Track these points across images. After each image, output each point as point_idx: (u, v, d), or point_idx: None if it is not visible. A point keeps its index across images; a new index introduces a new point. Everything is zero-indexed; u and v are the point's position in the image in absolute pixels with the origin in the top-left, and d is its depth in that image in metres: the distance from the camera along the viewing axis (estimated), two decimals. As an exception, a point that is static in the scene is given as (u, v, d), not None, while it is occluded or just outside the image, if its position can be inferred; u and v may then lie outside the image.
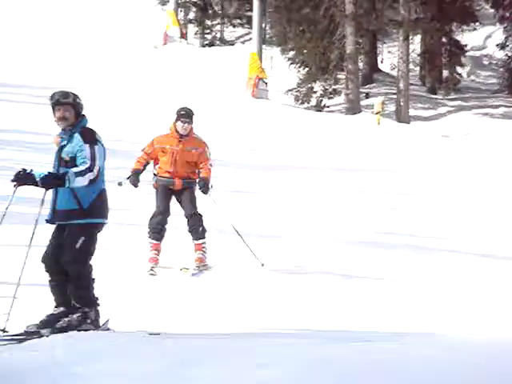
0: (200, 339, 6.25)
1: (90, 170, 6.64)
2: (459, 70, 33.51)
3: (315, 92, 30.40)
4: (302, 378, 5.06)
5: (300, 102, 30.18)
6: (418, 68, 33.88)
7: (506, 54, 34.21)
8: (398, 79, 29.69)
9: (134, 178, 9.27)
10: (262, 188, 14.68)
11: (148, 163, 9.39)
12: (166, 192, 9.23)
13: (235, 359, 5.44)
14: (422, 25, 30.04)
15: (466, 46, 33.58)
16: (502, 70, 34.54)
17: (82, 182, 6.62)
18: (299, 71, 30.93)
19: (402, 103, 28.78)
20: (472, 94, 32.50)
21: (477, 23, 33.04)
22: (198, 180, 9.22)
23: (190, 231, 9.24)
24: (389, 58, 34.72)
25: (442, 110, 30.21)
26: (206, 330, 6.82)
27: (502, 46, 34.49)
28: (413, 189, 15.36)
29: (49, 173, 6.68)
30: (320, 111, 29.04)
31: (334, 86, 30.53)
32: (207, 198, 9.37)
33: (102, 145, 6.82)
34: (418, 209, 13.49)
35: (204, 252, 9.25)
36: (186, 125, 9.29)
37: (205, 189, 9.16)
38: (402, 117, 28.21)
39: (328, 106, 30.07)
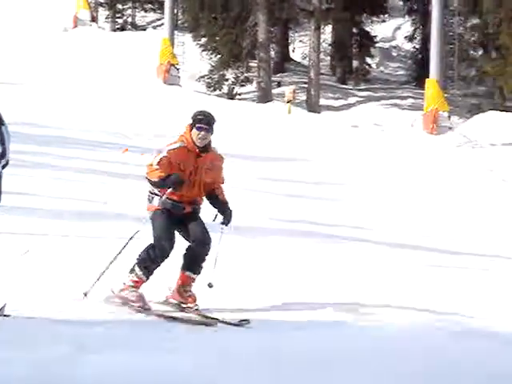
0: (97, 326, 6.18)
1: (2, 156, 6.41)
2: (369, 60, 34.02)
3: (227, 79, 30.41)
4: (206, 365, 5.09)
5: (212, 89, 30.15)
6: (328, 58, 34.24)
7: (414, 46, 34.91)
8: (309, 69, 29.94)
9: (173, 176, 6.98)
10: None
11: None
12: (171, 220, 7.09)
13: (134, 345, 5.45)
14: (333, 15, 30.37)
15: (375, 37, 34.11)
16: (410, 61, 35.23)
17: None
18: (211, 58, 30.86)
19: (312, 92, 29.04)
20: (381, 85, 33.03)
21: (386, 15, 33.60)
22: (216, 207, 7.23)
23: (190, 260, 7.13)
24: (300, 47, 34.97)
25: (352, 100, 30.60)
26: (105, 317, 6.69)
27: (410, 38, 35.18)
28: (324, 178, 15.51)
29: None
30: (232, 99, 29.05)
31: (245, 74, 30.60)
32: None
33: (6, 126, 6.59)
34: (328, 197, 13.63)
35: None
36: (204, 133, 7.04)
37: (229, 218, 7.21)
38: (312, 106, 28.47)
39: (240, 94, 30.11)
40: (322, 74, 30.96)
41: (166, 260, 6.94)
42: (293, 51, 35.16)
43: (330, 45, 33.90)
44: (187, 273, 7.11)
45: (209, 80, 30.43)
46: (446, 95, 25.89)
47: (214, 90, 30.08)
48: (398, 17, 36.18)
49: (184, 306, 7.06)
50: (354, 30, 33.22)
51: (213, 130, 7.11)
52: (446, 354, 5.81)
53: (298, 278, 8.49)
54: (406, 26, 35.86)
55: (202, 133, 7.04)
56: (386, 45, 36.70)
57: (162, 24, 33.22)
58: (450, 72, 30.14)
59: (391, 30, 37.13)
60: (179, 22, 35.16)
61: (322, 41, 31.05)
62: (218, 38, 30.41)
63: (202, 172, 7.11)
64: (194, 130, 7.05)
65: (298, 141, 20.10)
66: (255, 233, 10.48)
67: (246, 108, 25.71)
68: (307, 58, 30.97)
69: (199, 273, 7.10)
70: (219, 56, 30.58)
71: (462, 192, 15.83)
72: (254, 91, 30.07)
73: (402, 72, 34.98)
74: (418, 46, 34.53)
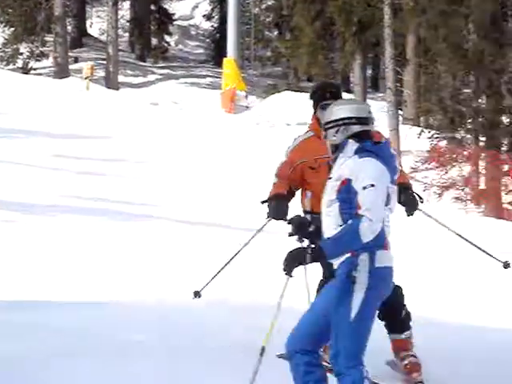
0: None
1: None
2: (167, 38, 34.09)
3: (21, 54, 29.50)
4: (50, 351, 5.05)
5: (5, 63, 29.16)
6: (127, 34, 33.98)
7: (212, 25, 35.33)
8: (107, 45, 29.57)
9: (278, 204, 5.37)
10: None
11: (292, 189, 5.48)
12: None
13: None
14: (131, -9, 30.17)
15: (173, 14, 34.22)
16: (208, 40, 35.63)
17: None
18: (4, 31, 29.83)
19: (111, 69, 28.73)
20: (180, 63, 33.19)
21: (185, -7, 33.79)
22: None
23: (389, 319, 5.32)
24: (98, 22, 34.45)
25: (151, 78, 30.56)
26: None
27: (209, 17, 35.57)
28: (124, 155, 15.43)
29: None
30: (26, 74, 28.22)
31: (41, 49, 29.80)
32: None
33: None
34: (126, 175, 13.59)
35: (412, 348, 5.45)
36: None
37: (413, 206, 5.39)
38: (111, 83, 28.18)
39: (35, 69, 29.29)
40: (121, 50, 30.71)
41: None
42: (90, 26, 34.61)
43: (128, 21, 33.64)
44: (393, 335, 5.42)
45: (2, 54, 29.40)
46: (243, 75, 26.44)
47: (8, 64, 29.10)
48: (197, -5, 36.50)
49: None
50: (153, 7, 33.15)
51: None
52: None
53: (87, 256, 8.41)
54: (204, 4, 36.22)
55: None
56: (185, 23, 36.92)
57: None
58: (246, 52, 30.80)
59: (189, 8, 37.37)
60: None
61: (120, 17, 30.77)
62: (11, 11, 29.40)
63: None
64: (320, 111, 5.30)
65: (96, 118, 19.83)
66: (45, 210, 10.29)
67: (41, 83, 25.03)
68: (105, 34, 30.56)
69: (408, 327, 5.37)
70: (13, 29, 29.59)
71: (260, 172, 16.19)
72: (51, 66, 29.36)
73: (200, 51, 35.33)
74: (216, 25, 34.99)
